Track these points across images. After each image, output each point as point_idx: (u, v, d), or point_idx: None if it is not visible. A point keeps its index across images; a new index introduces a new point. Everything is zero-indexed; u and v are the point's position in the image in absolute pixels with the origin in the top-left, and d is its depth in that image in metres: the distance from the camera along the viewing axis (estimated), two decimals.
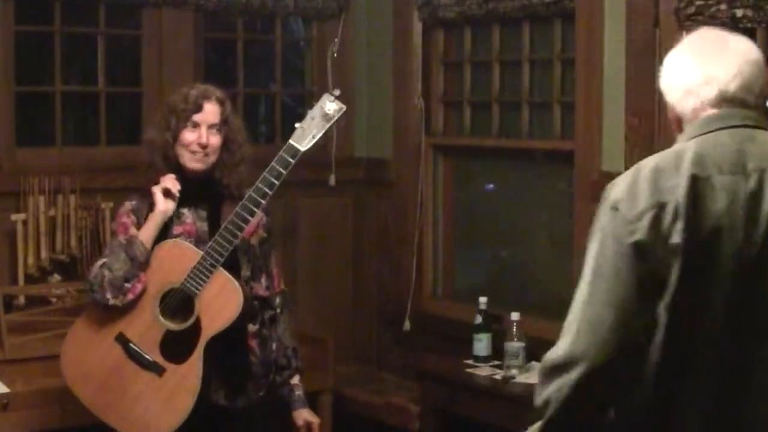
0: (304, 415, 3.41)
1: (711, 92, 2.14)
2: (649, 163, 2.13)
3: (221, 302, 3.11)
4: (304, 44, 5.45)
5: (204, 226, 3.21)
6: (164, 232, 3.22)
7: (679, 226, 2.03)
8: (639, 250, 2.05)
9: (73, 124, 4.90)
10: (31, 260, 4.40)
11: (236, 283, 3.13)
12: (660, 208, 2.05)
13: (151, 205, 3.23)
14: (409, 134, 5.03)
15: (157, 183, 3.24)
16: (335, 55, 5.22)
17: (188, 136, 3.23)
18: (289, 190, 5.04)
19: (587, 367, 2.09)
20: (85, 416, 3.39)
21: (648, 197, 2.06)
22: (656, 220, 2.05)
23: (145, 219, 3.24)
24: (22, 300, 4.35)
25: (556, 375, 2.13)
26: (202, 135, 3.22)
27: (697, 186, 2.05)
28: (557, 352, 2.15)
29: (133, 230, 3.23)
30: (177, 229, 3.23)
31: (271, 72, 5.30)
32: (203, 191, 3.25)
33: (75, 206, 4.46)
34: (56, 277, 4.45)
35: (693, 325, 2.08)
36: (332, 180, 5.19)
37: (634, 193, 2.08)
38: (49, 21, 4.60)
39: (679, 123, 2.23)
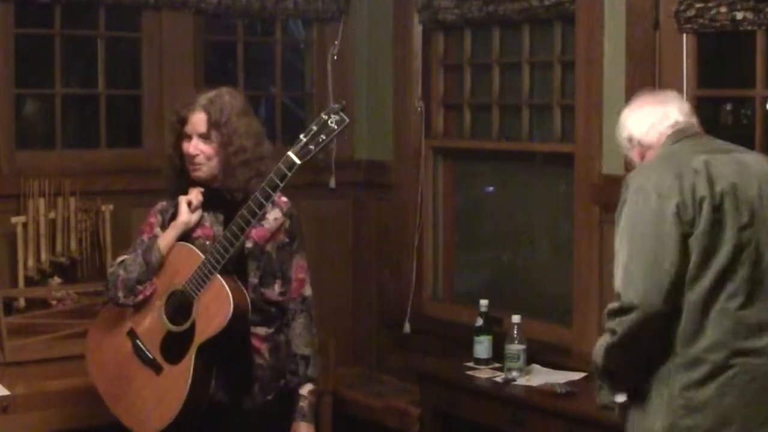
0: (299, 429, 3.33)
1: (668, 122, 2.93)
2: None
3: (215, 309, 3.12)
4: (304, 47, 5.45)
5: (220, 230, 3.23)
6: (186, 234, 3.26)
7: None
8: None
9: (73, 126, 4.90)
10: (31, 263, 4.40)
11: (229, 292, 3.11)
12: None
13: (177, 208, 3.27)
14: (409, 137, 5.03)
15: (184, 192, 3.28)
16: (335, 57, 5.22)
17: (184, 147, 3.25)
18: (289, 193, 5.04)
19: (641, 310, 2.73)
20: (85, 419, 3.39)
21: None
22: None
23: (170, 220, 3.28)
24: (22, 302, 4.35)
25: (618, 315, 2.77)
26: (189, 146, 3.23)
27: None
28: (617, 299, 2.79)
29: (157, 230, 3.30)
30: (197, 232, 3.27)
31: (271, 74, 5.30)
32: (218, 196, 3.27)
33: (75, 209, 4.46)
34: (56, 279, 4.45)
35: None
36: (332, 182, 5.20)
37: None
38: (49, 24, 4.61)
39: (642, 155, 2.95)
